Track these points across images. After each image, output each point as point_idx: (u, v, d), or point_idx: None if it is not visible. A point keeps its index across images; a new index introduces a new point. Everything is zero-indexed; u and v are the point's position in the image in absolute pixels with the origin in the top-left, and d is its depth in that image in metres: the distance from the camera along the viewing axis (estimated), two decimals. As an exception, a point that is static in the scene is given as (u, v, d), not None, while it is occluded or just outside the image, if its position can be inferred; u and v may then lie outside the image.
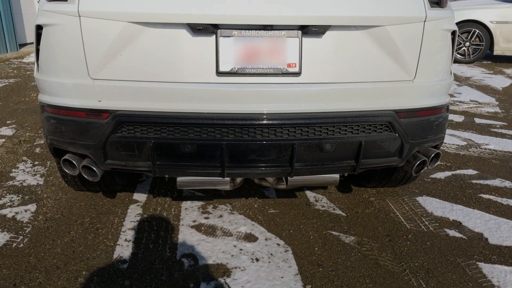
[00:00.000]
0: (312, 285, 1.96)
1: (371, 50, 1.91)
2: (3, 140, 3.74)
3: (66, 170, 2.08)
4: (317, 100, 1.91)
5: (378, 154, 2.06)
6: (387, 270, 2.08)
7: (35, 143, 3.66)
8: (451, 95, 5.71)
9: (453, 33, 2.10)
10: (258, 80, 1.88)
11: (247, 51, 1.85)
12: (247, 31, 1.83)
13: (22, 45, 9.75)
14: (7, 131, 3.99)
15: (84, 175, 2.05)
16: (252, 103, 1.88)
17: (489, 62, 8.55)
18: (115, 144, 1.92)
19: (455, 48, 2.21)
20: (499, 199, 2.79)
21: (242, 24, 1.81)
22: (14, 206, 2.61)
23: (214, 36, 1.81)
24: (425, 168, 2.18)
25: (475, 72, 7.42)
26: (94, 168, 2.01)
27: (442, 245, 2.28)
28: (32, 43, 10.17)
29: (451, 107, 5.09)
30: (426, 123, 2.10)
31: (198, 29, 1.79)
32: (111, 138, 1.90)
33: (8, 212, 2.54)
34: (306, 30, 1.83)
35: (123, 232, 2.35)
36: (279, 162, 1.99)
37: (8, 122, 4.27)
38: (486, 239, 2.35)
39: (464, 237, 2.36)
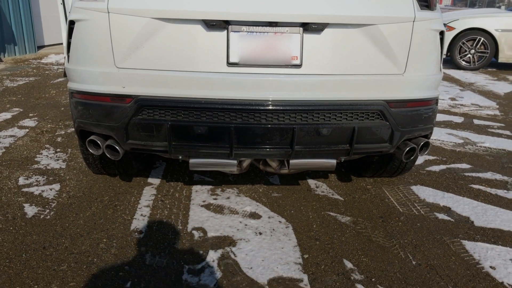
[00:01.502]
0: (309, 255, 2.18)
1: (365, 46, 2.13)
2: (27, 130, 4.02)
3: (91, 150, 2.32)
4: (316, 89, 2.13)
5: (370, 140, 2.27)
6: (378, 245, 2.28)
7: (56, 133, 3.93)
8: (454, 99, 5.90)
9: (441, 33, 2.31)
10: (263, 71, 2.10)
11: (254, 44, 2.07)
12: (254, 27, 2.06)
13: (40, 47, 10.12)
14: (30, 122, 4.27)
15: (107, 154, 2.28)
16: (257, 91, 2.10)
17: (494, 69, 8.72)
18: (136, 125, 2.15)
19: (444, 47, 2.42)
20: (488, 189, 2.98)
21: (250, 21, 2.03)
22: (40, 185, 2.86)
23: (226, 31, 2.04)
24: (415, 155, 2.38)
25: (479, 79, 7.59)
26: (117, 147, 2.24)
27: (430, 226, 2.48)
28: (49, 45, 10.56)
29: (452, 110, 5.28)
30: (416, 113, 2.30)
31: (211, 25, 2.02)
32: (133, 120, 2.13)
33: (35, 190, 2.79)
34: (307, 27, 2.05)
35: (139, 208, 2.59)
36: (281, 144, 2.21)
37: (30, 115, 4.55)
38: (472, 222, 2.54)
39: (452, 220, 2.56)
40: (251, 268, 2.05)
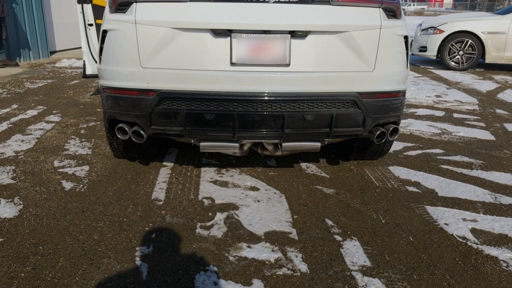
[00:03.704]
0: (298, 216, 2.67)
1: (341, 49, 2.61)
2: (53, 124, 4.54)
3: (119, 136, 2.80)
4: (301, 83, 2.61)
5: (346, 124, 2.73)
6: (355, 209, 2.78)
7: (79, 127, 4.45)
8: (439, 96, 6.39)
9: (405, 37, 2.79)
10: (259, 69, 2.58)
11: (252, 48, 2.56)
12: (252, 34, 2.55)
13: (52, 52, 10.67)
14: (55, 118, 4.79)
15: (133, 138, 2.76)
16: (255, 85, 2.59)
17: (482, 69, 9.20)
18: (158, 114, 2.63)
19: (409, 49, 2.90)
20: (455, 169, 3.47)
21: (248, 30, 2.52)
22: (72, 167, 3.37)
23: (229, 37, 2.53)
24: (386, 139, 2.85)
25: (466, 78, 8.08)
26: (142, 132, 2.72)
27: (401, 196, 2.98)
28: (61, 50, 11.12)
29: (435, 105, 5.78)
30: (384, 103, 2.77)
31: (218, 33, 2.52)
32: (155, 109, 2.61)
33: (69, 170, 3.31)
34: (293, 34, 2.54)
35: (158, 183, 3.09)
36: (274, 128, 2.69)
37: (54, 112, 5.07)
38: (436, 192, 3.03)
39: (420, 191, 3.05)
40: (251, 224, 2.55)
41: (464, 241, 2.43)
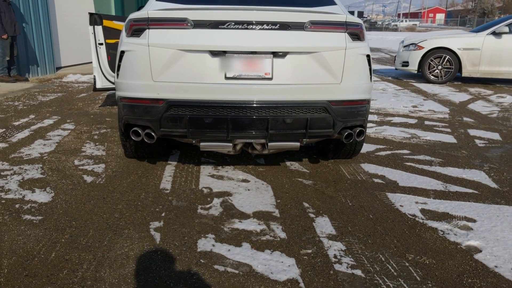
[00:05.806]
0: (280, 200, 3.26)
1: (313, 65, 3.22)
2: (69, 131, 5.12)
3: (133, 138, 3.38)
4: (282, 93, 3.21)
5: (319, 126, 3.31)
6: (328, 195, 3.37)
7: (92, 133, 5.04)
8: (415, 106, 7.03)
9: (368, 56, 3.41)
10: (248, 82, 3.19)
11: (242, 65, 3.17)
12: (242, 54, 3.16)
13: (58, 68, 11.29)
14: (69, 126, 5.38)
15: (145, 139, 3.34)
16: (245, 95, 3.19)
17: (460, 82, 9.89)
18: (166, 118, 3.21)
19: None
20: (417, 165, 4.08)
21: (239, 51, 3.13)
22: (90, 165, 3.95)
23: (224, 57, 3.15)
24: (353, 139, 3.44)
25: (443, 90, 8.75)
26: (153, 134, 3.31)
27: (367, 186, 3.57)
28: (66, 66, 11.75)
29: (410, 114, 6.41)
30: (350, 109, 3.35)
31: (215, 53, 3.13)
32: (164, 115, 3.19)
33: (88, 167, 3.89)
34: (275, 54, 3.16)
35: (164, 177, 3.68)
36: (260, 129, 3.28)
37: (68, 120, 5.66)
38: (398, 183, 3.63)
39: (384, 182, 3.65)
40: (242, 206, 3.14)
41: (413, 217, 3.02)
